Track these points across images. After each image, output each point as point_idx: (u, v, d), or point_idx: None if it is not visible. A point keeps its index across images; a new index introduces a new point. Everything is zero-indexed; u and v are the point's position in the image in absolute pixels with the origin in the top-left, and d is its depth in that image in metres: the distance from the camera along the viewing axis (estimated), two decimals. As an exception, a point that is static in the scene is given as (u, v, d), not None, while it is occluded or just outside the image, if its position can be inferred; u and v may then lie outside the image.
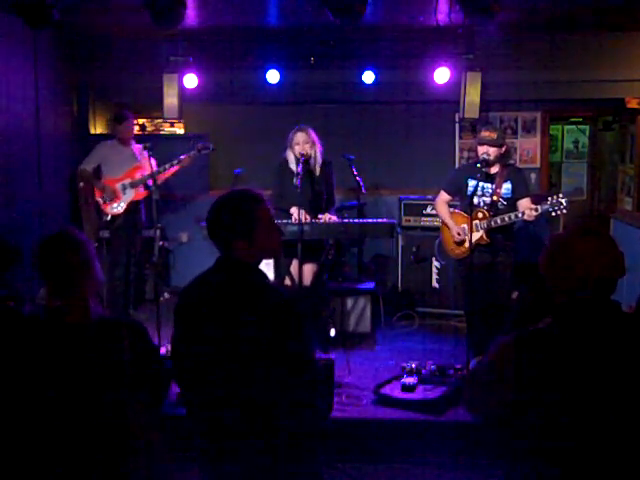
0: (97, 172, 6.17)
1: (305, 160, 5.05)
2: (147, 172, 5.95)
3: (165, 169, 5.96)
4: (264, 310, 2.12)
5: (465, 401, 2.27)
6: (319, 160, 5.21)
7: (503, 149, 5.04)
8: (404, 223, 6.80)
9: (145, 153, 5.87)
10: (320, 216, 5.21)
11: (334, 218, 5.26)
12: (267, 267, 6.09)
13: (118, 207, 6.13)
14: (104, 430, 2.18)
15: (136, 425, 2.23)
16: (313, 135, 5.17)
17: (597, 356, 1.92)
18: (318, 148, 5.20)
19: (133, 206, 6.19)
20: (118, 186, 6.12)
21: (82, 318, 2.22)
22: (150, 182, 5.83)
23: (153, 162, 5.94)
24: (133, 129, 6.32)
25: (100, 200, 6.13)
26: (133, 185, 6.11)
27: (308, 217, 5.10)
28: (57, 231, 2.33)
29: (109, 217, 6.14)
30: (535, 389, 1.93)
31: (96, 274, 2.31)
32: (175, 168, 6.02)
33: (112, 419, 2.19)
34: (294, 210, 5.09)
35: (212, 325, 2.16)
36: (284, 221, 5.12)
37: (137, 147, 6.20)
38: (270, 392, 2.10)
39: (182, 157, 5.98)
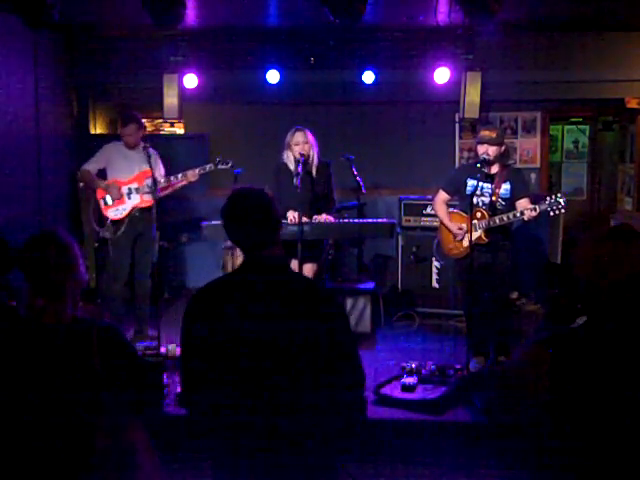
0: (101, 175, 5.79)
1: (304, 160, 5.05)
2: (152, 181, 5.57)
3: (170, 181, 5.65)
4: (316, 304, 2.18)
5: (494, 404, 2.25)
6: (316, 161, 5.22)
7: (503, 148, 5.05)
8: (404, 223, 6.79)
9: (158, 159, 5.77)
10: (316, 217, 5.20)
11: (330, 218, 5.26)
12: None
13: (120, 211, 5.72)
14: (68, 431, 2.19)
15: (106, 427, 2.24)
16: (310, 136, 5.18)
17: (633, 356, 1.92)
18: (315, 149, 5.20)
19: (138, 213, 5.73)
20: (124, 189, 5.72)
21: (57, 319, 2.24)
22: (159, 191, 5.58)
23: (162, 168, 5.79)
24: (139, 134, 5.72)
25: (102, 202, 5.73)
26: (139, 191, 5.71)
27: (305, 218, 5.08)
28: (42, 231, 2.35)
29: (109, 221, 5.72)
30: (570, 389, 1.93)
31: (79, 276, 2.32)
32: (182, 182, 5.68)
33: (78, 420, 2.20)
34: (290, 213, 5.09)
35: (262, 322, 2.14)
36: (284, 221, 5.12)
37: (152, 152, 5.65)
38: (318, 388, 2.13)
39: (189, 172, 5.63)
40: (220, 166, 5.68)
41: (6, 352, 2.22)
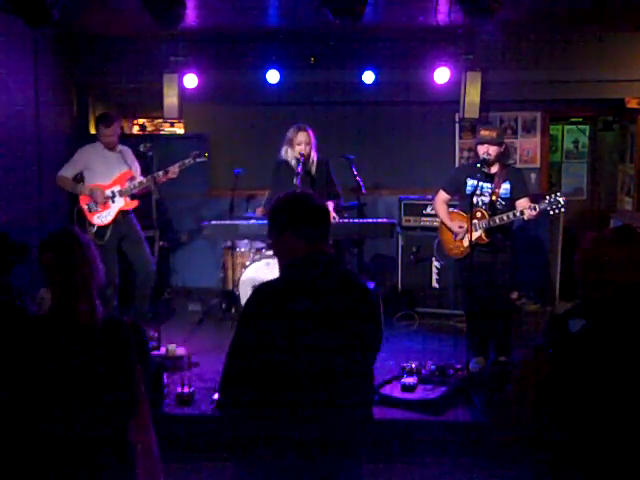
0: (77, 179, 5.67)
1: (304, 160, 5.06)
2: (136, 180, 5.63)
3: (153, 179, 5.53)
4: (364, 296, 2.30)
5: (497, 425, 2.18)
6: (315, 160, 5.22)
7: (503, 148, 5.05)
8: (404, 223, 6.79)
9: (133, 157, 5.75)
10: None
11: (336, 217, 5.25)
12: (266, 266, 6.09)
13: (106, 217, 5.60)
14: (104, 429, 2.18)
15: (134, 425, 2.23)
16: (312, 135, 5.18)
17: (632, 360, 1.90)
18: (314, 148, 5.21)
19: (121, 216, 5.65)
20: (107, 193, 5.61)
21: (91, 319, 2.19)
22: (136, 192, 5.56)
23: (138, 166, 5.74)
24: (119, 133, 5.73)
25: (86, 208, 5.59)
26: (122, 193, 5.61)
27: None
28: (61, 229, 2.28)
29: (95, 228, 5.57)
30: (571, 394, 1.91)
31: (100, 275, 2.29)
32: (163, 179, 5.60)
33: (116, 417, 2.19)
34: None
35: (327, 319, 2.19)
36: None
37: (125, 150, 5.74)
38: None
39: (170, 168, 5.57)
40: (198, 159, 5.63)
41: (39, 354, 2.15)
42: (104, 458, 2.18)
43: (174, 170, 5.59)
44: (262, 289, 2.24)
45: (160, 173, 5.55)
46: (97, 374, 2.15)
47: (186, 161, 5.62)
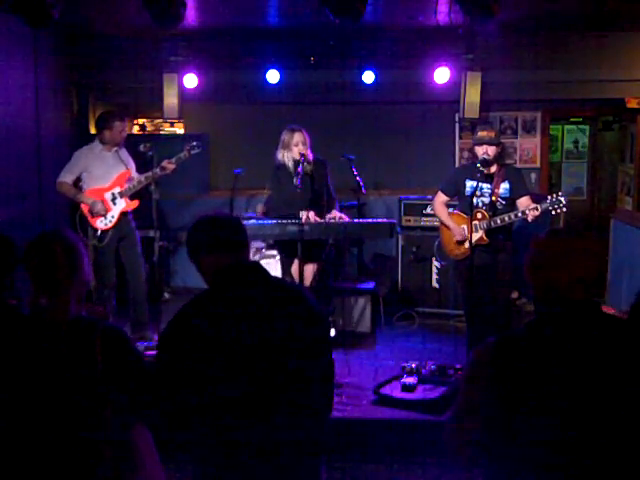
0: (76, 183, 5.61)
1: (304, 160, 5.05)
2: (134, 180, 5.60)
3: (150, 177, 5.49)
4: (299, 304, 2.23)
5: (449, 443, 2.05)
6: (310, 158, 5.22)
7: (500, 148, 5.07)
8: (404, 223, 6.80)
9: (127, 154, 5.71)
10: (329, 215, 5.21)
11: (345, 217, 5.26)
12: (266, 266, 6.10)
13: (109, 221, 5.57)
14: (71, 429, 2.19)
15: (110, 425, 2.24)
16: (306, 134, 5.19)
17: (577, 360, 1.87)
18: (309, 148, 5.21)
19: (122, 217, 5.62)
20: (107, 196, 5.57)
21: (60, 317, 2.24)
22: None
23: (133, 165, 5.72)
24: (125, 133, 5.66)
25: (89, 214, 5.56)
26: (123, 194, 5.58)
27: (318, 218, 5.09)
28: (48, 230, 2.36)
29: (99, 232, 5.54)
30: (515, 396, 1.87)
31: (84, 276, 2.32)
32: (161, 175, 5.52)
33: (81, 417, 2.20)
34: (303, 213, 5.07)
35: (254, 327, 2.13)
36: (284, 221, 5.12)
37: (122, 150, 5.69)
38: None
39: (164, 163, 5.52)
40: (193, 152, 5.60)
41: (7, 350, 2.23)
42: (72, 463, 2.19)
43: (169, 165, 5.53)
44: (187, 307, 2.21)
45: (157, 170, 5.50)
46: (59, 373, 2.19)
47: (181, 155, 5.58)
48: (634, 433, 1.84)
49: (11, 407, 2.20)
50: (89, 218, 5.57)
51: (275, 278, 2.37)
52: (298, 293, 2.29)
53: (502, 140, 5.36)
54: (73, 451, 2.20)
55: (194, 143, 5.60)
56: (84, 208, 5.58)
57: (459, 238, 5.10)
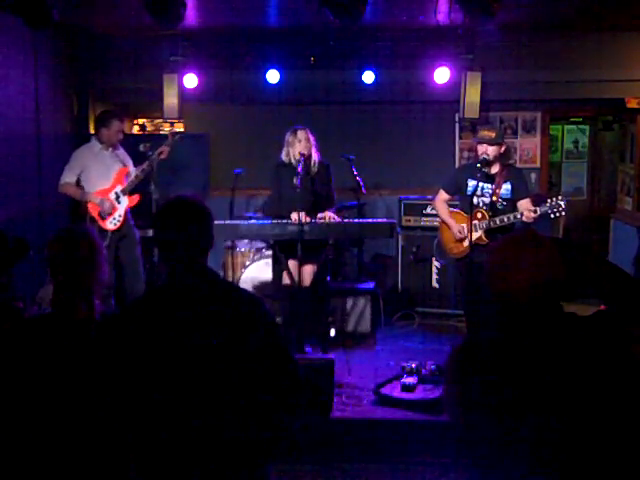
0: (76, 183, 5.62)
1: (304, 160, 5.05)
2: (132, 175, 5.64)
3: (145, 170, 5.56)
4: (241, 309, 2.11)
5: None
6: (316, 160, 5.21)
7: (502, 148, 5.05)
8: (404, 223, 6.80)
9: (124, 151, 5.74)
10: (320, 215, 5.20)
11: (335, 217, 5.25)
12: (266, 266, 6.10)
13: (117, 220, 5.60)
14: (101, 428, 2.18)
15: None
16: (311, 135, 5.18)
17: (540, 363, 1.87)
18: (314, 148, 5.20)
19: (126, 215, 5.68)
20: (111, 195, 5.59)
21: (87, 314, 2.24)
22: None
23: (130, 161, 5.76)
24: (121, 135, 5.69)
25: (98, 217, 5.55)
26: (125, 192, 5.61)
27: (308, 218, 5.08)
28: (68, 227, 2.37)
29: (109, 234, 5.53)
30: (476, 400, 1.89)
31: (104, 275, 2.34)
32: (158, 160, 5.57)
33: (110, 419, 2.18)
34: (293, 215, 5.07)
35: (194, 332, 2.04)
36: (283, 221, 5.12)
37: (118, 148, 5.71)
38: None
39: (154, 156, 5.54)
40: (176, 137, 5.74)
41: (35, 352, 2.20)
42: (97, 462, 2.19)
43: (164, 149, 5.59)
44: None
45: (154, 156, 5.55)
46: (88, 370, 2.16)
47: (166, 142, 5.67)
48: (594, 431, 1.83)
49: (41, 410, 2.17)
50: (99, 221, 5.56)
51: (222, 282, 2.29)
52: (240, 296, 2.18)
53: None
54: (101, 451, 2.19)
55: (174, 132, 5.72)
56: (92, 211, 5.57)
57: (458, 236, 5.09)
